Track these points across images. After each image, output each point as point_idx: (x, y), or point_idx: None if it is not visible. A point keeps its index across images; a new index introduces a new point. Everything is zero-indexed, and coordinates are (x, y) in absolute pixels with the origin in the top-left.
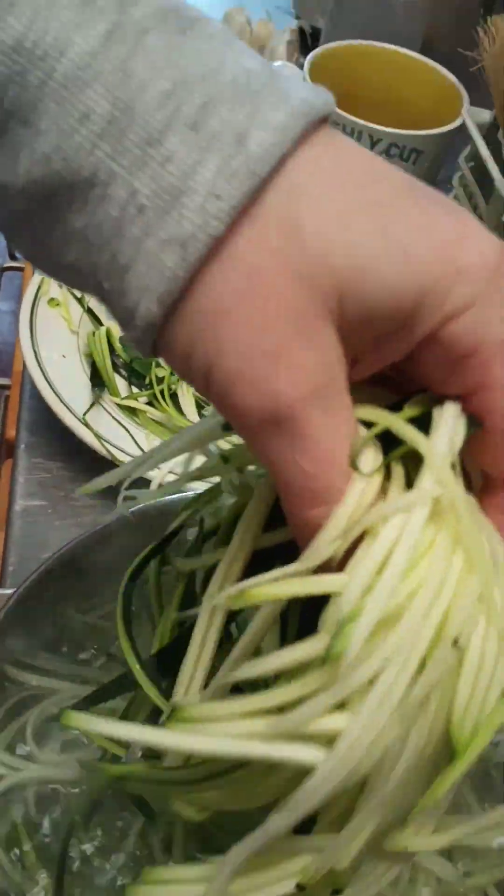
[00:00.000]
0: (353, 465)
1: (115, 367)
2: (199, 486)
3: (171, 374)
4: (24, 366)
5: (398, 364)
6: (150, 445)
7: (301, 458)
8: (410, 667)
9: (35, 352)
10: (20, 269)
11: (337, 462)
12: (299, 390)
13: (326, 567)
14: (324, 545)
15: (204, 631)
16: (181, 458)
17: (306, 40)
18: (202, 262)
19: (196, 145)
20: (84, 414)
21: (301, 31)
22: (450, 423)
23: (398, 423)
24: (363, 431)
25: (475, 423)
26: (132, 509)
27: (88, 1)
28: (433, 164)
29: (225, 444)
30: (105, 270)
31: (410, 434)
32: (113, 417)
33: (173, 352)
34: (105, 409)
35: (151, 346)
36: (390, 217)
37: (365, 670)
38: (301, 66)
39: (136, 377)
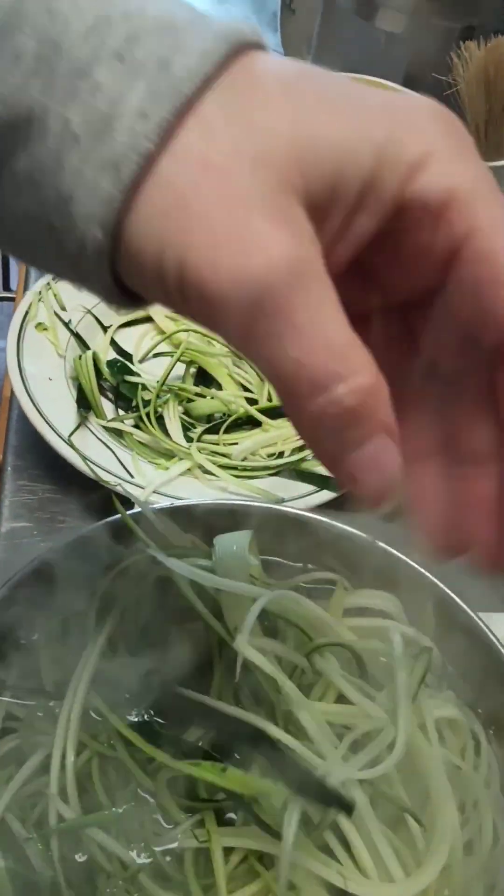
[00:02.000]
0: None
1: (102, 391)
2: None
3: (157, 396)
4: (12, 391)
5: (385, 259)
6: (136, 467)
7: (290, 345)
8: None
9: (22, 375)
10: (11, 300)
11: (329, 344)
12: (277, 272)
13: None
14: None
15: None
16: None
17: None
18: (136, 181)
19: (123, 74)
20: (70, 435)
21: None
22: None
23: None
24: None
25: None
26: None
27: None
28: None
29: None
30: (53, 207)
31: None
32: (99, 439)
33: (143, 272)
34: (91, 431)
35: (112, 279)
36: (329, 90)
37: None
38: None
39: (123, 400)
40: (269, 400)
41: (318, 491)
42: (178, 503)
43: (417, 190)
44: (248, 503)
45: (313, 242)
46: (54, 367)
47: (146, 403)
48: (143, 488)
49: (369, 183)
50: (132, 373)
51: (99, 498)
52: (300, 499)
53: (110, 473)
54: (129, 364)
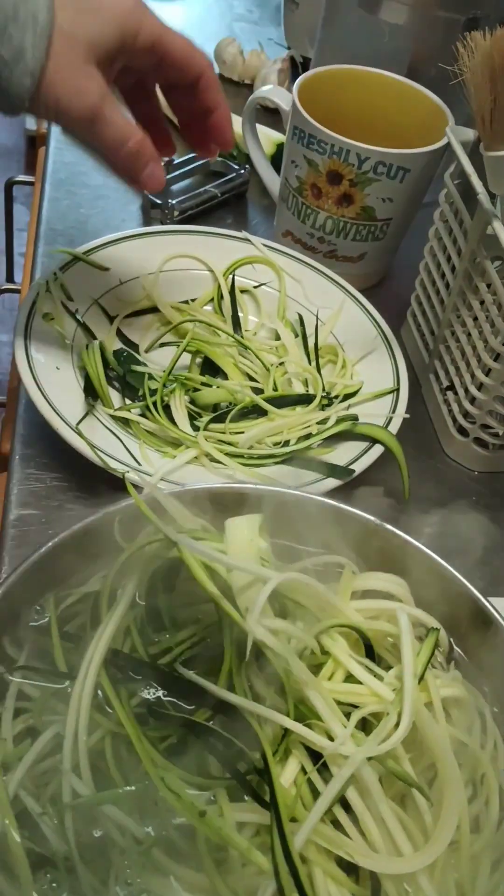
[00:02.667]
0: None
1: (109, 380)
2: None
3: (164, 385)
4: (20, 380)
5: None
6: (143, 456)
7: (112, 131)
8: None
9: (30, 364)
10: (15, 292)
11: (121, 126)
12: (96, 99)
13: None
14: None
15: None
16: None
17: (297, 69)
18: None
19: (14, 33)
20: (78, 423)
21: (292, 60)
22: None
23: None
24: None
25: None
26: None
27: None
28: (420, 182)
29: None
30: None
31: None
32: (106, 428)
33: (45, 105)
34: (99, 419)
35: (29, 101)
36: (93, 2)
37: None
38: (290, 89)
39: (129, 389)
40: (275, 389)
41: (323, 478)
42: (188, 487)
43: (161, 48)
44: (257, 486)
45: (105, 86)
46: (61, 356)
47: (153, 392)
48: (150, 476)
49: (127, 45)
50: (138, 362)
51: (107, 486)
52: (306, 486)
53: (118, 461)
54: (135, 354)
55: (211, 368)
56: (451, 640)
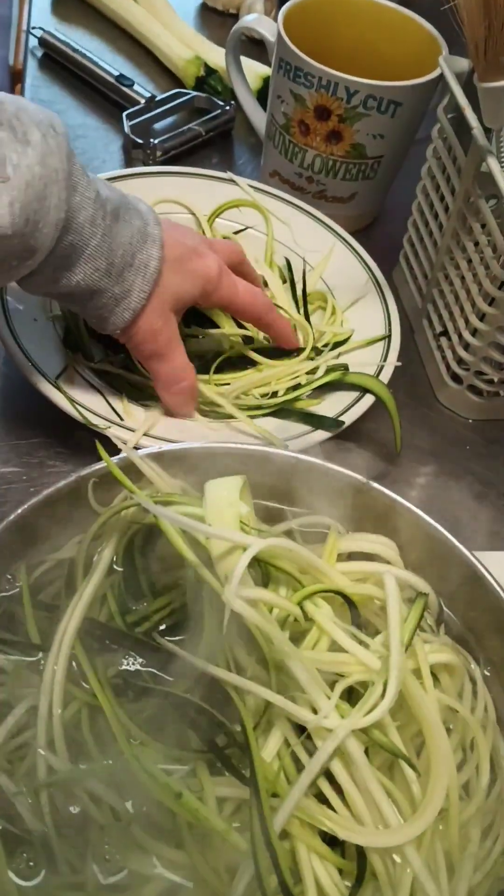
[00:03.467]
0: None
1: (91, 332)
2: None
3: None
4: None
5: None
6: (125, 410)
7: (170, 369)
8: None
9: (6, 316)
10: None
11: (187, 374)
12: (166, 342)
13: None
14: None
15: None
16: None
17: None
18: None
19: (128, 276)
20: (57, 377)
21: None
22: None
23: None
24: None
25: None
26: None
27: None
28: (412, 116)
29: None
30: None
31: None
32: (88, 382)
33: (132, 337)
34: (80, 373)
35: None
36: (186, 265)
37: None
38: (276, 18)
39: (112, 341)
40: (267, 341)
41: (311, 431)
42: (166, 447)
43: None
44: (240, 446)
45: (176, 328)
46: (39, 307)
47: None
48: (133, 431)
49: (198, 302)
50: None
51: (89, 441)
52: (295, 439)
53: (100, 417)
54: None
55: (197, 318)
56: (441, 601)
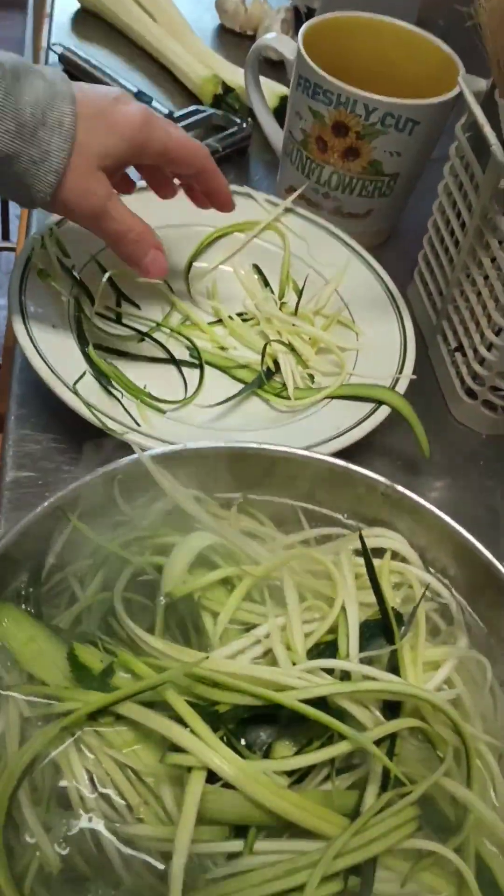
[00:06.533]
0: None
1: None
2: None
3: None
4: (15, 339)
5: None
6: (141, 415)
7: (115, 225)
8: None
9: (25, 323)
10: (11, 250)
11: (125, 219)
12: (103, 199)
13: None
14: None
15: None
16: None
17: (301, 20)
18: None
19: (43, 135)
20: (75, 383)
21: (296, 10)
22: None
23: None
24: None
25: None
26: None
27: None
28: (430, 135)
29: None
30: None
31: None
32: (104, 388)
33: (58, 202)
34: (98, 380)
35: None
36: (108, 118)
37: None
38: (295, 37)
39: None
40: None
41: (329, 440)
42: (180, 447)
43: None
44: (251, 445)
45: (110, 187)
46: (57, 313)
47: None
48: (149, 437)
49: (131, 159)
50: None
51: (107, 448)
52: (313, 447)
53: (118, 422)
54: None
55: None
56: (465, 604)
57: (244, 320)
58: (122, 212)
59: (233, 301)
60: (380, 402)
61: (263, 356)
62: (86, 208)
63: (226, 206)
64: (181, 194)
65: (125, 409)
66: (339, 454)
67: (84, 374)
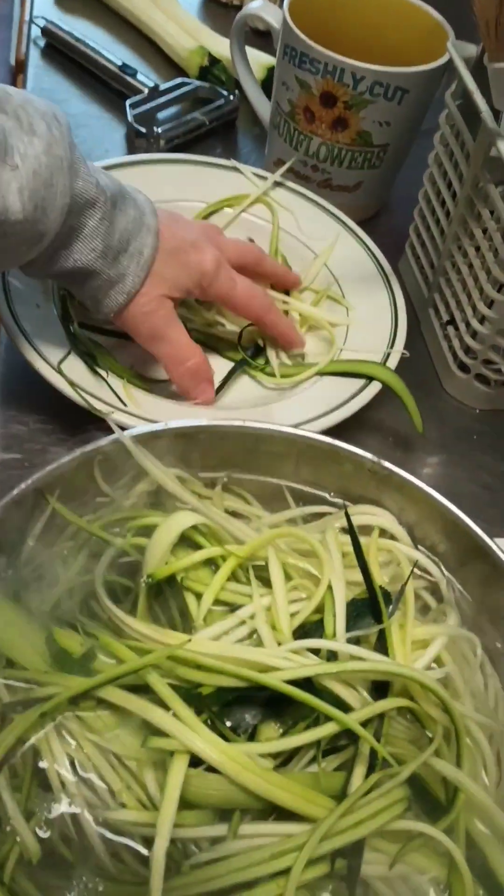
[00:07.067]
0: None
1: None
2: None
3: None
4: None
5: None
6: (127, 395)
7: (175, 350)
8: None
9: (9, 302)
10: None
11: (193, 352)
12: (164, 323)
13: None
14: None
15: None
16: None
17: None
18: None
19: (123, 260)
20: (59, 363)
21: None
22: None
23: None
24: None
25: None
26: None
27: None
28: (419, 104)
29: None
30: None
31: None
32: (90, 368)
33: (122, 319)
34: (83, 360)
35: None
36: (182, 257)
37: None
38: (281, 5)
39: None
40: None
41: (318, 417)
42: (160, 426)
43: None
44: (234, 424)
45: (174, 314)
46: (42, 294)
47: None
48: (135, 416)
49: (194, 294)
50: None
51: (91, 428)
52: (302, 425)
53: (103, 402)
54: None
55: None
56: (455, 582)
57: None
58: (181, 339)
59: None
60: (370, 378)
61: (240, 338)
62: (146, 329)
63: (291, 346)
64: (174, 169)
65: (111, 389)
66: (330, 431)
67: (69, 353)
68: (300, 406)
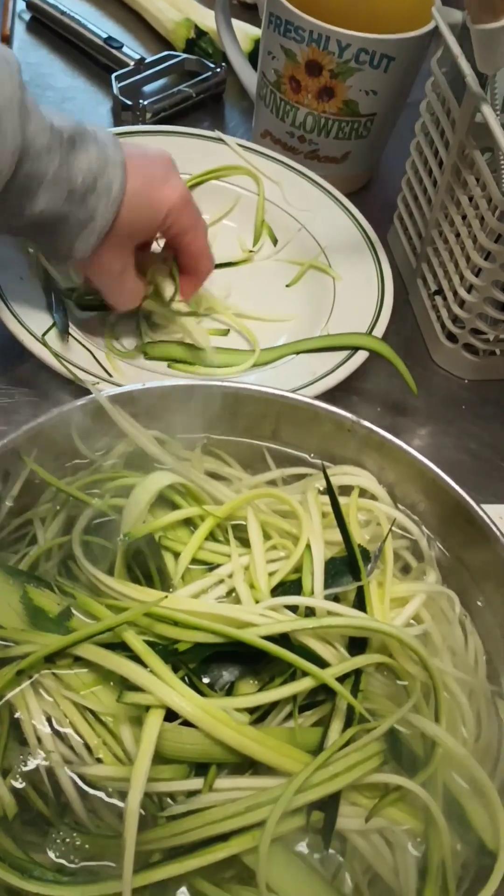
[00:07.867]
0: None
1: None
2: None
3: None
4: None
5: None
6: (112, 366)
7: (118, 293)
8: None
9: None
10: None
11: (134, 289)
12: (117, 272)
13: None
14: None
15: None
16: None
17: None
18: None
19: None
20: (44, 334)
21: None
22: None
23: None
24: None
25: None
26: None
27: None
28: (406, 72)
29: None
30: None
31: None
32: (75, 339)
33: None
34: (70, 333)
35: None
36: (147, 194)
37: None
38: None
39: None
40: None
41: (311, 383)
42: (138, 387)
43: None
44: (213, 383)
45: (131, 258)
46: (23, 265)
47: None
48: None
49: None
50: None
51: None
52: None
53: (88, 373)
54: None
55: None
56: (435, 540)
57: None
58: (130, 282)
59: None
60: (356, 349)
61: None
62: (104, 279)
63: (182, 293)
64: (159, 141)
65: (95, 359)
66: (319, 400)
67: (53, 325)
68: (287, 376)
